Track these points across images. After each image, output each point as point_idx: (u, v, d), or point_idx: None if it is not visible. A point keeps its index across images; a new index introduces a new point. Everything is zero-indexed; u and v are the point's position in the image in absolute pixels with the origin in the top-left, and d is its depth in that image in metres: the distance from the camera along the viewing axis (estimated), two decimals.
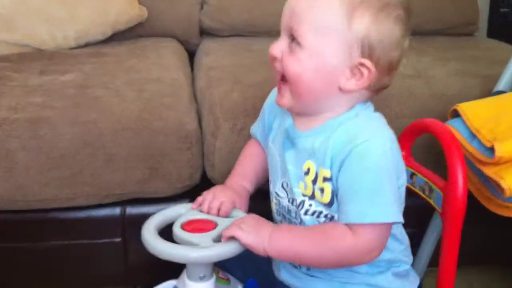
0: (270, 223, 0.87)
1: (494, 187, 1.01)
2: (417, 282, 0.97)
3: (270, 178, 0.97)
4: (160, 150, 1.20)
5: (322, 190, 0.86)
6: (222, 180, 1.07)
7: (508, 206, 1.01)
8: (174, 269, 0.90)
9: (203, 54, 1.62)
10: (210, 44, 1.71)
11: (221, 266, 0.93)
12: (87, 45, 1.63)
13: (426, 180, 1.02)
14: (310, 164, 0.87)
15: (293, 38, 0.82)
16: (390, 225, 0.84)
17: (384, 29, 0.81)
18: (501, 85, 1.23)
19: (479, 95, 1.28)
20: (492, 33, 2.21)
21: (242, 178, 1.02)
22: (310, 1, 0.81)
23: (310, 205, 0.88)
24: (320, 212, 0.87)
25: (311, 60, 0.82)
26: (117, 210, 1.25)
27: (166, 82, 1.35)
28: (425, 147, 1.19)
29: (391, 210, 0.82)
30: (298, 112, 0.89)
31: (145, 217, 0.93)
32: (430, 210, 1.03)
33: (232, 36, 1.79)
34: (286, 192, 0.92)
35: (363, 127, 0.84)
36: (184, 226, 0.89)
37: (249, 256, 0.85)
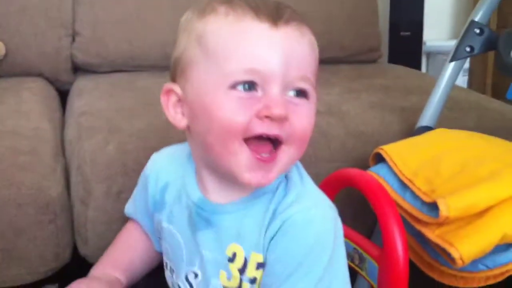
0: None
1: (436, 251, 0.82)
2: None
3: (169, 266, 0.75)
4: (13, 226, 0.92)
5: (253, 281, 0.65)
6: (98, 258, 0.82)
7: (455, 274, 0.82)
8: None
9: (75, 96, 1.34)
10: (85, 83, 1.44)
11: None
12: None
13: (355, 246, 0.82)
14: (236, 247, 0.66)
15: (296, 89, 0.64)
16: None
17: None
18: (425, 120, 1.06)
19: (398, 131, 1.15)
20: (393, 58, 2.13)
21: (112, 267, 0.79)
22: (303, 43, 0.65)
23: None
24: None
25: (314, 109, 0.66)
26: None
27: (22, 134, 1.06)
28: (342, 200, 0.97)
29: None
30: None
31: None
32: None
33: (112, 72, 1.54)
34: (192, 286, 0.71)
35: (298, 191, 0.66)
36: None
37: None
